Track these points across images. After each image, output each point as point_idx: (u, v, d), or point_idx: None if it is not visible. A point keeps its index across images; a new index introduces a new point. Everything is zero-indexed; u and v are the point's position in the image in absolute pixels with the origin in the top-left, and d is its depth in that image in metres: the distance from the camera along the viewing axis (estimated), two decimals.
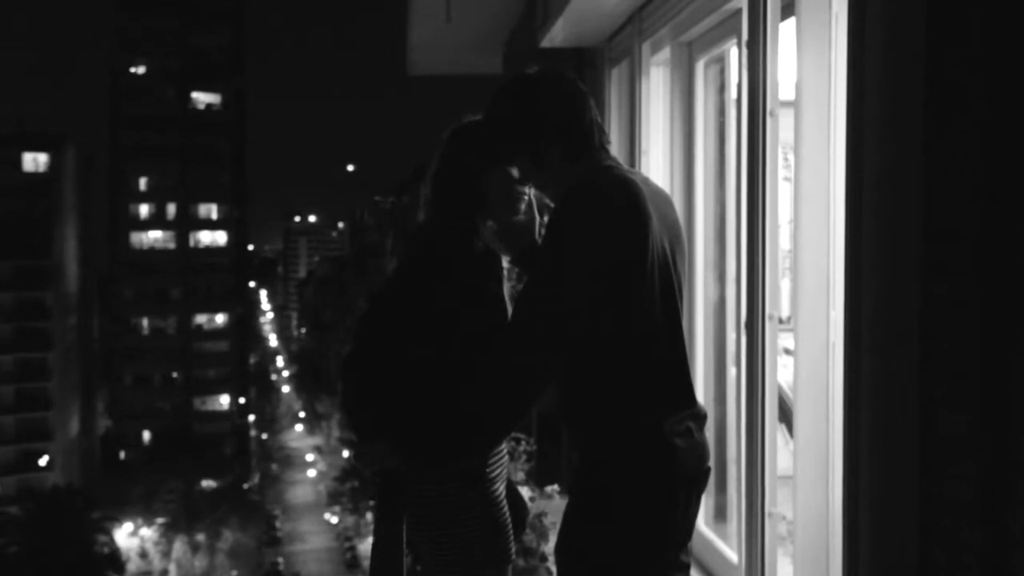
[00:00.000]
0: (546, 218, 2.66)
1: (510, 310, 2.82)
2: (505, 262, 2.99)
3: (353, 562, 56.58)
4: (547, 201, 2.82)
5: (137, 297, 73.17)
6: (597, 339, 2.49)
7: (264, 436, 79.69)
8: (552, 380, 2.57)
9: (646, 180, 2.71)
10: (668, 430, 2.51)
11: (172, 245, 74.88)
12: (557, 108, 2.66)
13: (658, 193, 2.71)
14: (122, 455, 69.06)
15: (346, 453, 59.07)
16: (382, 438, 2.82)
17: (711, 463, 2.69)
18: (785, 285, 4.10)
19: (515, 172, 2.82)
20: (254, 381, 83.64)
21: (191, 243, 75.42)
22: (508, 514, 2.91)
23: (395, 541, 2.84)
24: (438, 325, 2.77)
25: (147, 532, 55.92)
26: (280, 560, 59.82)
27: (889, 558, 2.70)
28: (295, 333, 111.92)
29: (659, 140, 5.24)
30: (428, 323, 2.78)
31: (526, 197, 2.91)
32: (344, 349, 2.98)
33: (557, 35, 5.87)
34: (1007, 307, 2.28)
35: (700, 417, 2.64)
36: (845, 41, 2.95)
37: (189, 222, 75.30)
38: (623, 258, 2.47)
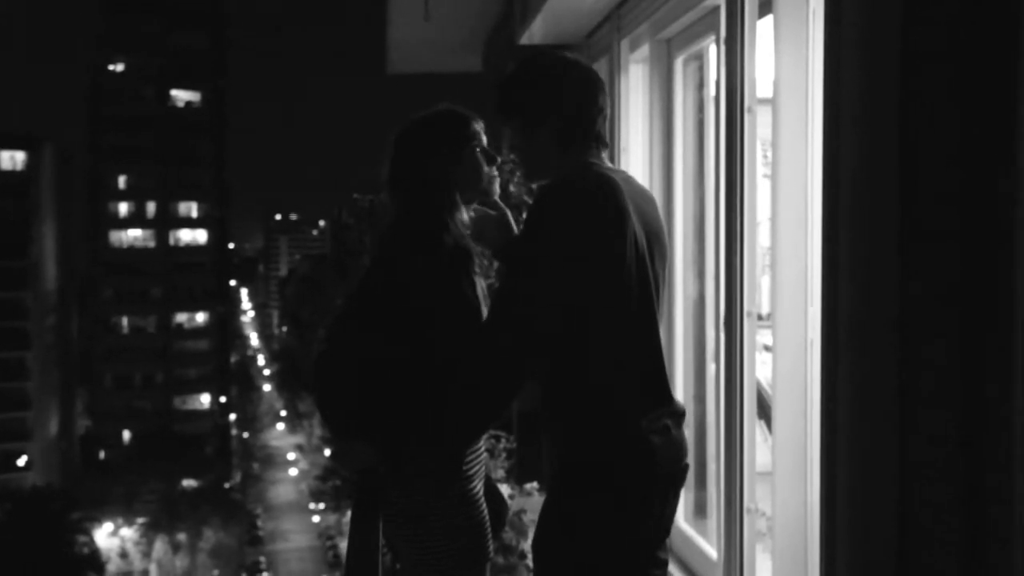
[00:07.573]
0: (524, 215, 2.65)
1: (485, 306, 2.81)
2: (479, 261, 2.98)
3: (335, 561, 56.38)
4: (524, 185, 2.80)
5: (117, 296, 72.75)
6: (573, 336, 2.49)
7: (245, 435, 79.33)
8: (530, 376, 2.57)
9: (628, 179, 2.70)
10: (645, 428, 2.50)
11: (152, 244, 74.47)
12: (573, 101, 2.64)
13: (640, 192, 2.70)
14: (102, 455, 68.64)
15: (328, 451, 58.91)
16: (359, 437, 2.82)
17: (689, 460, 2.70)
18: (764, 282, 4.10)
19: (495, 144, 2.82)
20: (235, 380, 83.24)
21: (171, 242, 75.02)
22: (487, 512, 2.90)
23: (372, 540, 2.83)
24: (410, 324, 2.76)
25: (128, 532, 55.64)
26: (262, 559, 59.65)
27: (867, 554, 2.71)
28: (276, 331, 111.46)
29: (638, 137, 5.24)
30: (400, 322, 2.77)
31: (497, 178, 2.91)
32: (319, 348, 2.96)
33: (536, 33, 5.87)
34: (984, 303, 2.28)
35: (678, 414, 2.64)
36: (822, 38, 2.96)
37: (169, 221, 74.92)
38: (599, 255, 2.47)
